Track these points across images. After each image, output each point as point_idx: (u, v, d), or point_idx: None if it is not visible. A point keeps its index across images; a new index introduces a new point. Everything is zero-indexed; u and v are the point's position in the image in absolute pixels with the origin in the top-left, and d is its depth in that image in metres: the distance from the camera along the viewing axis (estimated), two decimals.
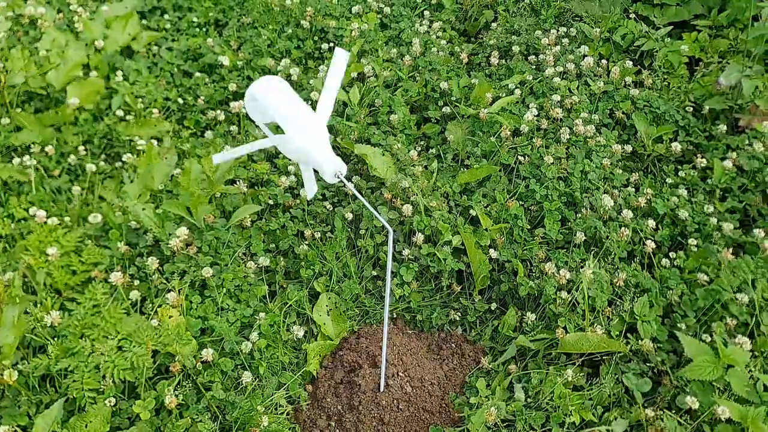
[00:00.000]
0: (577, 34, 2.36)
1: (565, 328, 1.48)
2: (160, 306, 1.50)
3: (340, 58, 1.22)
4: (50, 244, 1.64)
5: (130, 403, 1.39)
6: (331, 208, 1.80)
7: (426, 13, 2.54)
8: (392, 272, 1.67)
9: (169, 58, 2.46)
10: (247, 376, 1.41)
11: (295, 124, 1.25)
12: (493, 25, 2.48)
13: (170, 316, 1.45)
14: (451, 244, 1.66)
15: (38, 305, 1.51)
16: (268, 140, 1.25)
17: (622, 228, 1.63)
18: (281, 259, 1.73)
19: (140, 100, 2.25)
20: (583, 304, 1.50)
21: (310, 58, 2.41)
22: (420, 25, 2.47)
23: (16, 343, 1.35)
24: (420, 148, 2.03)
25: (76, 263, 1.64)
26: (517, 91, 2.08)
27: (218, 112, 2.17)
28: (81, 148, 2.11)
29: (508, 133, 1.87)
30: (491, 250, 1.65)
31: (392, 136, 2.01)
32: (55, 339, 1.40)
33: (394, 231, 1.58)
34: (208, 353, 1.44)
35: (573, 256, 1.62)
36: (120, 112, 2.20)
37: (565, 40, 2.31)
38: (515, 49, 2.29)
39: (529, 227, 1.72)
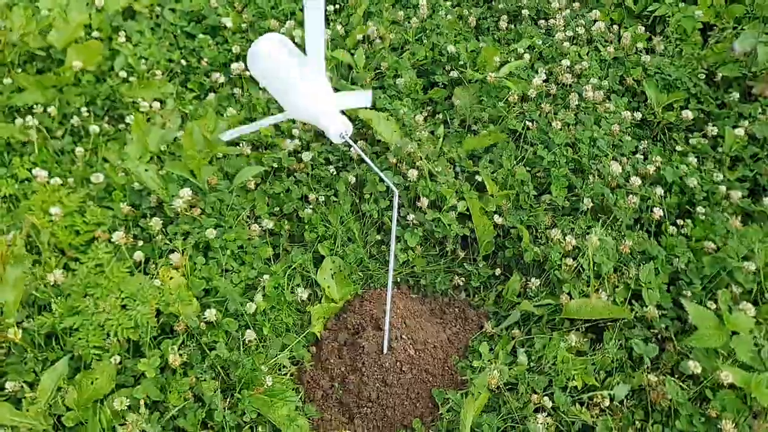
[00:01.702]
0: None
1: (569, 294, 1.48)
2: (163, 266, 1.50)
3: (313, 6, 1.12)
4: (54, 204, 1.63)
5: (135, 362, 1.40)
6: (335, 173, 1.78)
7: None
8: (396, 237, 1.66)
9: (173, 20, 2.42)
10: (250, 335, 1.41)
11: (299, 86, 1.22)
12: None
13: (171, 277, 1.44)
14: (456, 209, 1.65)
15: (42, 264, 1.51)
16: (277, 117, 1.23)
17: (630, 195, 1.61)
18: (285, 222, 1.72)
19: (143, 61, 2.22)
20: (588, 271, 1.49)
21: None
22: None
23: (18, 301, 1.36)
24: (426, 113, 2.00)
25: (79, 223, 1.63)
26: (526, 56, 2.04)
27: (220, 74, 2.14)
28: (84, 109, 2.08)
29: (516, 98, 1.84)
30: (497, 216, 1.64)
31: (398, 101, 1.98)
32: (59, 298, 1.40)
33: (399, 195, 1.57)
34: (211, 313, 1.44)
35: (579, 223, 1.60)
36: (123, 74, 2.17)
37: (576, 5, 2.26)
38: (524, 12, 2.24)
39: (535, 194, 1.71)
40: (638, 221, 1.66)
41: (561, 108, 1.87)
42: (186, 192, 1.59)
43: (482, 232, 1.63)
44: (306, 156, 1.75)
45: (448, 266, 1.68)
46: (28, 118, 1.97)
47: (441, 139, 1.83)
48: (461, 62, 2.09)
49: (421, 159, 1.71)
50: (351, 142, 1.19)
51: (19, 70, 2.15)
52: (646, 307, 1.44)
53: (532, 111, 1.85)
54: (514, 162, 1.74)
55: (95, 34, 2.28)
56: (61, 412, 1.31)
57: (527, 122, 1.82)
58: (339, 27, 2.20)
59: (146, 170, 1.65)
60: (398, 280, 1.68)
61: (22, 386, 1.34)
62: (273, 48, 1.29)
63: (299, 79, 1.23)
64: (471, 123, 1.92)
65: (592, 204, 1.62)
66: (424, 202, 1.65)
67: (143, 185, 1.67)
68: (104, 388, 1.33)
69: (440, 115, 1.98)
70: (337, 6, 2.37)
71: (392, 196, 1.74)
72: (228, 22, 2.30)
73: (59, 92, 2.14)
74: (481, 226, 1.63)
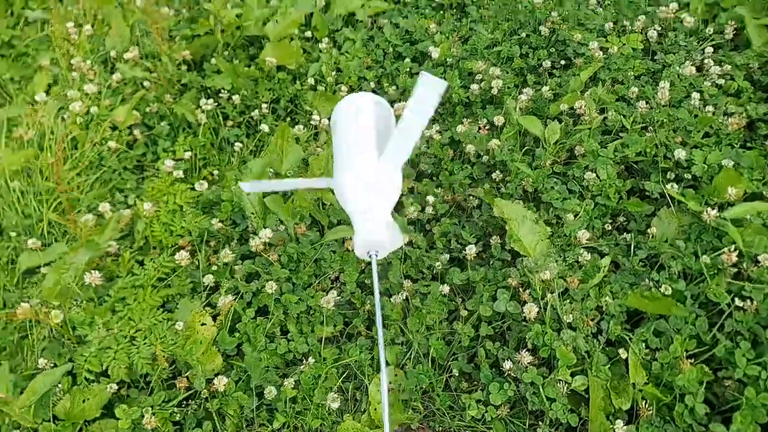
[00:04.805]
0: None
1: None
2: (210, 305, 1.33)
3: (429, 86, 0.81)
4: (165, 196, 1.59)
5: (136, 396, 1.27)
6: (448, 263, 1.41)
7: (709, 49, 1.86)
8: (482, 385, 1.23)
9: (389, 36, 2.25)
10: None
11: (352, 166, 0.90)
12: None
13: (203, 323, 1.26)
14: (569, 385, 1.15)
15: (120, 255, 1.47)
16: (316, 181, 0.94)
17: None
18: (369, 301, 1.42)
19: (335, 73, 2.09)
20: None
21: (532, 72, 1.96)
22: (692, 64, 1.82)
23: (56, 289, 1.32)
24: (609, 227, 1.48)
25: (176, 224, 1.56)
26: None
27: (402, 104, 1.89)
28: (264, 106, 2.04)
29: (734, 258, 1.22)
30: (622, 423, 1.10)
31: (577, 199, 1.50)
32: (99, 299, 1.33)
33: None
34: (221, 382, 1.23)
35: None
36: (311, 81, 2.08)
37: None
38: None
39: (706, 411, 1.10)
40: None
41: None
42: (266, 232, 1.40)
43: None
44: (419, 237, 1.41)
45: None
46: (210, 101, 2.00)
47: (601, 273, 1.31)
48: (690, 175, 1.50)
49: (553, 293, 1.23)
50: (374, 266, 0.84)
51: (229, 51, 2.20)
52: None
53: (757, 286, 1.21)
54: (688, 351, 1.15)
55: (309, 33, 2.24)
56: (47, 417, 1.24)
57: (739, 299, 1.20)
58: (545, 88, 1.77)
59: (248, 193, 1.49)
60: None
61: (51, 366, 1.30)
62: (360, 108, 1.00)
63: (363, 157, 0.92)
64: (663, 264, 1.35)
65: None
66: (525, 355, 1.18)
67: (242, 207, 1.53)
68: (91, 412, 1.22)
69: (627, 237, 1.44)
70: (563, 63, 1.93)
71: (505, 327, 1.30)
72: (434, 52, 2.04)
73: (253, 83, 2.14)
74: (597, 423, 1.11)
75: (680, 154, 1.52)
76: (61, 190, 1.50)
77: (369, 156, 0.87)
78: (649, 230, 1.41)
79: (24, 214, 1.76)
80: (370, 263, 0.85)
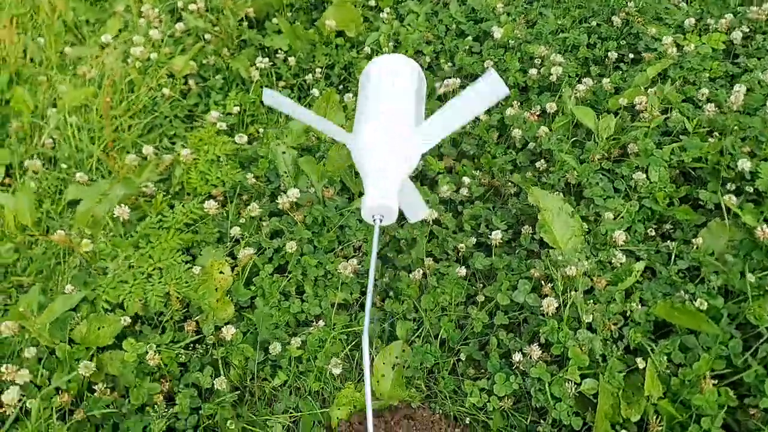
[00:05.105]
0: None
1: None
2: (232, 255, 1.34)
3: (492, 85, 0.77)
4: (206, 146, 1.61)
5: (148, 332, 1.30)
6: (474, 247, 1.36)
7: None
8: (488, 372, 1.19)
9: (454, 12, 2.18)
10: (221, 383, 1.17)
11: (379, 129, 0.87)
12: None
13: (221, 272, 1.27)
14: (579, 387, 1.09)
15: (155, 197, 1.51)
16: (337, 130, 0.90)
17: None
18: (388, 273, 1.39)
19: (392, 45, 2.06)
20: None
21: (597, 63, 1.86)
22: None
23: (87, 216, 1.36)
24: (653, 233, 1.39)
25: (213, 173, 1.58)
26: None
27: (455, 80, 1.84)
28: (318, 70, 2.04)
29: None
30: None
31: (622, 199, 1.42)
32: (125, 235, 1.37)
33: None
34: (229, 331, 1.24)
35: None
36: (368, 50, 2.06)
37: None
38: None
39: None
40: None
41: None
42: (294, 192, 1.39)
43: None
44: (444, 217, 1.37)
45: None
46: (266, 60, 2.00)
47: (633, 278, 1.23)
48: (752, 189, 1.38)
49: (575, 291, 1.17)
50: (376, 232, 0.80)
51: (289, 13, 2.20)
52: None
53: None
54: (713, 370, 1.07)
55: (372, 2, 2.20)
56: (64, 339, 1.29)
57: None
58: (606, 80, 1.67)
59: (284, 152, 1.49)
60: (467, 421, 1.21)
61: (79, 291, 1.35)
62: (396, 72, 0.97)
63: (384, 119, 0.89)
64: (704, 278, 1.25)
65: None
66: (535, 349, 1.13)
67: (276, 165, 1.53)
68: (104, 340, 1.26)
69: (670, 245, 1.35)
70: (632, 57, 1.81)
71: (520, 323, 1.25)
72: (497, 32, 1.96)
73: (311, 47, 2.13)
74: (602, 431, 1.05)
75: (745, 164, 1.40)
76: (107, 132, 1.54)
77: (401, 116, 0.84)
78: (694, 240, 1.31)
79: (77, 148, 1.83)
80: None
